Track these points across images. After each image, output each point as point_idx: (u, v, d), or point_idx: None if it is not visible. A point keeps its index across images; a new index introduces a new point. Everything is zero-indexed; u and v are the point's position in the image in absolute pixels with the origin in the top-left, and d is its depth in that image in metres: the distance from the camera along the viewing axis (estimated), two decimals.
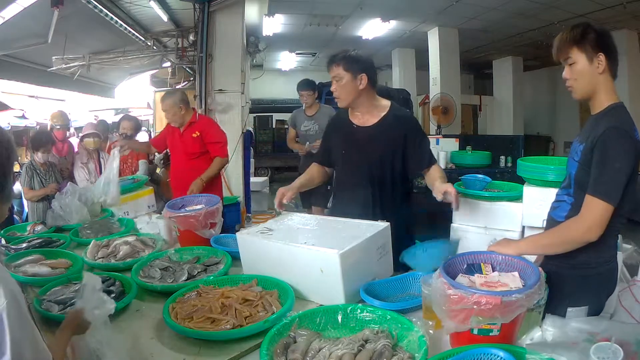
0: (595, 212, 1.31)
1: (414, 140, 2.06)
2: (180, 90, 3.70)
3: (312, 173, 2.26)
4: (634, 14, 6.47)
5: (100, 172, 3.71)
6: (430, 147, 2.16)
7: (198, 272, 1.75)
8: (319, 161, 2.30)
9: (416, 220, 2.31)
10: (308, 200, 4.38)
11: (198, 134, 3.29)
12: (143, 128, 12.76)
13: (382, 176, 2.06)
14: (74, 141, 4.89)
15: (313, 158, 2.39)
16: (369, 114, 2.09)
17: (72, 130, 7.84)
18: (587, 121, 1.52)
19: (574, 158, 1.45)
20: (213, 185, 3.31)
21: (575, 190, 1.45)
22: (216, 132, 3.38)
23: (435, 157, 6.31)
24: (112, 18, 4.93)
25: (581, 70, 1.40)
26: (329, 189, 2.73)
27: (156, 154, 4.04)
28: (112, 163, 2.88)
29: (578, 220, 1.34)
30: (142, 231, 2.41)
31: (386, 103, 2.12)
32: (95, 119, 9.19)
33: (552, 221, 1.55)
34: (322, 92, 8.19)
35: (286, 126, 12.52)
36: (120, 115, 5.14)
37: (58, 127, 4.21)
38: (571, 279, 1.42)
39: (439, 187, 1.85)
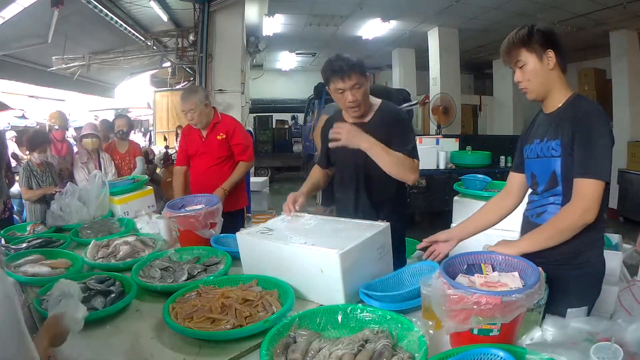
0: (590, 191, 1.31)
1: (397, 134, 1.98)
2: (200, 87, 3.28)
3: (316, 177, 2.25)
4: (634, 14, 6.47)
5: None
6: (412, 144, 2.04)
7: (198, 272, 1.75)
8: (319, 163, 2.29)
9: (413, 220, 2.29)
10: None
11: (223, 135, 2.95)
12: (142, 128, 12.79)
13: (370, 176, 2.04)
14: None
15: (315, 158, 2.37)
16: (360, 113, 2.05)
17: (71, 130, 7.85)
18: (541, 120, 1.53)
19: (553, 155, 1.44)
20: (237, 192, 3.02)
21: (564, 188, 1.43)
22: (242, 134, 3.04)
23: (435, 157, 6.28)
24: (112, 18, 4.94)
25: (533, 70, 1.42)
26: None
27: (156, 154, 4.04)
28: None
29: (572, 205, 1.34)
30: (142, 231, 2.41)
31: (376, 102, 2.10)
32: (95, 119, 9.20)
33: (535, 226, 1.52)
34: (322, 93, 8.22)
35: (286, 126, 12.58)
36: None
37: (56, 127, 4.21)
38: (569, 279, 1.42)
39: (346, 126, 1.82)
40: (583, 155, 1.33)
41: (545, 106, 1.50)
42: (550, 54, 1.40)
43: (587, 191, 1.31)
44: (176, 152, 6.81)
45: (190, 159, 3.11)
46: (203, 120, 2.92)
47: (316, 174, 2.26)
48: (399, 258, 1.97)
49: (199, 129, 2.98)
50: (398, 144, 1.94)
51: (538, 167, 1.52)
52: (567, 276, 1.42)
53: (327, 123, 2.23)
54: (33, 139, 3.56)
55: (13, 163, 5.13)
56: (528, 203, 1.62)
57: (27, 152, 3.72)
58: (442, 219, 3.78)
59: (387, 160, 1.82)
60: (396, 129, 1.99)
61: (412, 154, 1.95)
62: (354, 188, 2.07)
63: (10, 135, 7.04)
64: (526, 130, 1.62)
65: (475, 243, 2.98)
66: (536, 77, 1.43)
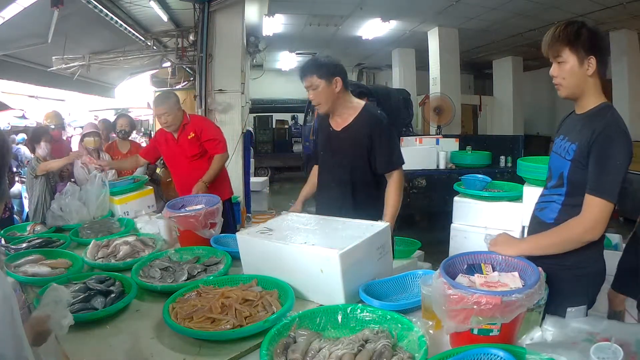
0: (597, 211, 1.31)
1: (376, 141, 2.06)
2: (173, 92, 3.47)
3: (314, 178, 2.31)
4: (634, 14, 6.47)
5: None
6: (398, 150, 2.12)
7: (198, 272, 1.75)
8: (316, 161, 2.36)
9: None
10: None
11: (193, 134, 3.11)
12: (143, 128, 12.78)
13: (352, 179, 2.10)
14: (75, 139, 4.90)
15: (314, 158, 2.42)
16: (343, 117, 2.13)
17: (69, 130, 7.83)
18: (571, 119, 1.52)
19: (565, 157, 1.44)
20: (219, 184, 3.14)
21: (569, 190, 1.44)
22: (211, 129, 3.20)
23: (435, 157, 6.26)
24: (112, 18, 4.94)
25: (570, 71, 1.40)
26: None
27: None
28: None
29: (580, 219, 1.34)
30: (142, 231, 2.41)
31: (359, 104, 2.13)
32: (95, 118, 9.20)
33: (540, 222, 1.54)
34: None
35: (286, 126, 12.57)
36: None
37: (53, 127, 4.21)
38: (569, 279, 1.42)
39: None
40: (597, 171, 1.33)
41: (576, 106, 1.49)
42: (592, 60, 1.36)
43: (595, 210, 1.31)
44: None
45: (166, 163, 3.38)
46: (176, 123, 3.07)
47: (314, 175, 2.33)
48: None
49: (171, 132, 3.13)
50: (381, 154, 2.03)
51: (554, 162, 1.53)
52: (567, 276, 1.42)
53: (319, 123, 2.32)
54: (35, 131, 3.60)
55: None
56: (539, 196, 1.62)
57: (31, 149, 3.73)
58: (442, 219, 3.77)
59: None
60: (377, 137, 2.04)
61: (393, 163, 2.04)
62: (340, 192, 2.11)
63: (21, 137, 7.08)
64: (561, 121, 1.61)
65: (476, 243, 2.98)
66: (572, 78, 1.40)
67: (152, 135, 9.69)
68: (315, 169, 2.35)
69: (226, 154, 3.23)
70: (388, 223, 1.66)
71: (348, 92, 2.13)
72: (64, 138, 4.45)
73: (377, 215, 1.81)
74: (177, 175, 3.28)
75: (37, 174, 3.41)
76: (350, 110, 2.12)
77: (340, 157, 2.13)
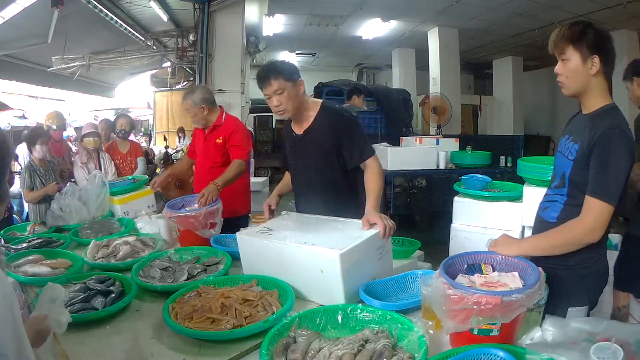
0: (598, 213, 1.31)
1: (343, 137, 1.98)
2: (203, 88, 3.10)
3: (287, 179, 2.30)
4: (634, 14, 6.48)
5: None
6: (367, 141, 2.03)
7: (198, 272, 1.75)
8: (283, 167, 2.34)
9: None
10: None
11: (221, 139, 2.83)
12: (142, 129, 12.78)
13: (322, 180, 2.06)
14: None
15: None
16: (304, 120, 2.06)
17: (70, 130, 7.82)
18: (577, 119, 1.52)
19: (568, 157, 1.45)
20: (236, 195, 2.86)
21: (570, 190, 1.44)
22: (240, 135, 2.85)
23: (435, 157, 6.25)
24: (112, 18, 4.94)
25: (574, 69, 1.40)
26: None
27: (156, 154, 4.03)
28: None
29: (580, 221, 1.34)
30: (142, 231, 2.41)
31: (316, 103, 2.07)
32: (95, 118, 9.20)
33: (543, 222, 1.54)
34: (322, 93, 8.23)
35: None
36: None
37: (54, 128, 4.20)
38: (569, 279, 1.42)
39: (366, 217, 1.65)
40: (597, 173, 1.32)
41: (582, 106, 1.49)
42: (596, 59, 1.37)
43: (595, 212, 1.31)
44: (176, 151, 6.82)
45: (196, 157, 3.09)
46: (199, 121, 2.86)
47: (287, 176, 2.31)
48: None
49: (202, 129, 2.91)
50: (350, 148, 1.97)
51: (558, 162, 1.53)
52: (568, 276, 1.42)
53: (284, 128, 2.25)
54: (31, 133, 3.56)
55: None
56: (544, 195, 1.62)
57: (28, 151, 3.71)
58: (442, 219, 3.77)
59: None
60: (343, 132, 1.98)
61: (366, 153, 1.96)
62: (312, 195, 2.08)
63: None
64: (568, 121, 1.61)
65: (476, 242, 2.99)
66: (575, 76, 1.41)
67: (151, 135, 9.70)
68: (287, 173, 2.32)
69: (245, 163, 2.83)
70: None
71: (304, 94, 2.05)
72: (65, 137, 4.43)
73: (359, 211, 1.74)
74: (196, 178, 3.09)
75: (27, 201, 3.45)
76: (310, 112, 2.05)
77: (306, 161, 2.09)
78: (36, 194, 3.44)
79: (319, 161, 2.04)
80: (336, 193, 2.05)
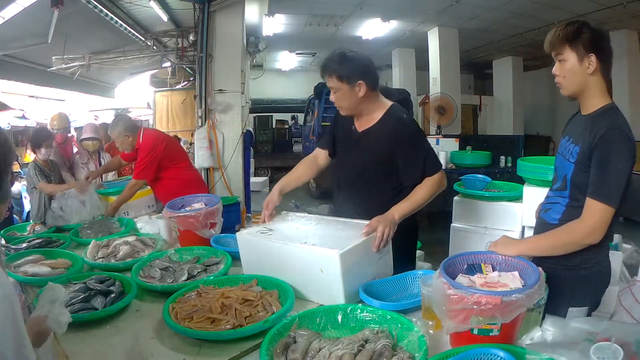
0: (598, 215, 1.31)
1: (403, 150, 1.84)
2: (124, 117, 3.35)
3: (300, 170, 2.12)
4: (634, 14, 6.47)
5: None
6: (433, 155, 1.89)
7: (198, 272, 1.75)
8: (323, 146, 2.13)
9: (416, 219, 2.17)
10: None
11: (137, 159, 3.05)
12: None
13: (363, 186, 1.93)
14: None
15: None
16: (367, 119, 1.94)
17: (72, 132, 7.80)
18: (577, 120, 1.52)
19: (569, 159, 1.44)
20: (172, 194, 2.64)
21: (572, 193, 1.44)
22: (142, 152, 3.00)
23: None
24: (112, 18, 4.93)
25: (571, 69, 1.40)
26: None
27: None
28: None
29: (580, 223, 1.34)
30: (142, 231, 2.41)
31: (382, 106, 1.94)
32: (95, 119, 9.19)
33: (544, 223, 1.54)
34: (322, 93, 8.22)
35: (286, 126, 12.57)
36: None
37: (60, 131, 4.18)
38: (570, 280, 1.42)
39: (374, 219, 1.60)
40: (598, 174, 1.32)
41: (581, 106, 1.48)
42: (593, 58, 1.36)
43: (595, 214, 1.31)
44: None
45: None
46: (127, 147, 3.09)
47: (301, 167, 2.14)
48: (411, 262, 1.98)
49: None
50: (404, 162, 1.83)
51: (559, 164, 1.53)
52: (569, 276, 1.42)
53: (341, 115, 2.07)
54: (37, 136, 3.53)
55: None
56: (545, 197, 1.62)
57: (27, 152, 3.70)
58: (442, 219, 3.77)
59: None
60: (401, 144, 1.83)
61: (427, 171, 1.80)
62: (352, 191, 1.98)
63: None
64: (567, 121, 1.60)
65: (476, 242, 2.99)
66: (572, 76, 1.40)
67: None
68: (304, 161, 2.16)
69: (137, 182, 2.94)
70: None
71: (376, 93, 1.92)
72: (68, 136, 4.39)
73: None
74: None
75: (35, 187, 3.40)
76: (374, 114, 1.92)
77: (355, 159, 1.96)
78: (58, 188, 3.20)
79: (367, 166, 1.91)
80: (375, 199, 1.88)
